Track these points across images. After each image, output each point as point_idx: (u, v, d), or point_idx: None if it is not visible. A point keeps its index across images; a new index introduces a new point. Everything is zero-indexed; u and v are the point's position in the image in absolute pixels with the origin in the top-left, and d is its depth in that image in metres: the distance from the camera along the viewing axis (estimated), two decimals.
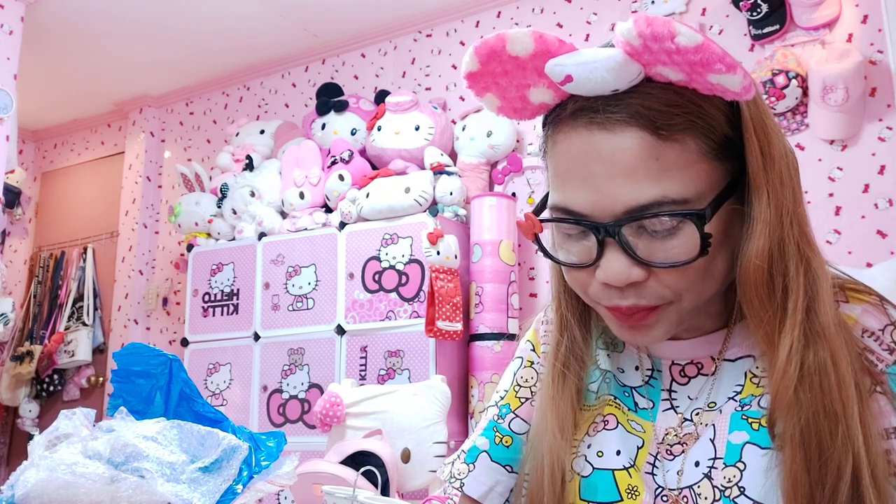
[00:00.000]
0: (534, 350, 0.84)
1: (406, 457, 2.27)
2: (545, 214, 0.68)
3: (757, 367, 0.68)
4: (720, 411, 0.69)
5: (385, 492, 2.11)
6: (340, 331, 2.97)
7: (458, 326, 2.71)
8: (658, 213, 0.60)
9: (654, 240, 0.62)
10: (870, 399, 0.62)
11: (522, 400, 0.82)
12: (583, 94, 0.62)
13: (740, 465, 0.65)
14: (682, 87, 0.61)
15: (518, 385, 0.83)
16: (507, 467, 0.80)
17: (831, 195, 2.54)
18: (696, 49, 0.56)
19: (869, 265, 2.38)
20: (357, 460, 2.15)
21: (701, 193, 0.62)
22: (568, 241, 0.67)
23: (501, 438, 0.81)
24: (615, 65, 0.59)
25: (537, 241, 0.68)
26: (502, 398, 0.83)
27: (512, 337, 2.81)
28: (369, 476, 2.11)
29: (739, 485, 0.64)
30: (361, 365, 2.89)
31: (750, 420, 0.67)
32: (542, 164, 0.70)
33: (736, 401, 0.68)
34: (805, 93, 2.54)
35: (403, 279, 2.86)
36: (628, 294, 0.64)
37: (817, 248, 0.66)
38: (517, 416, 0.81)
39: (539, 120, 0.71)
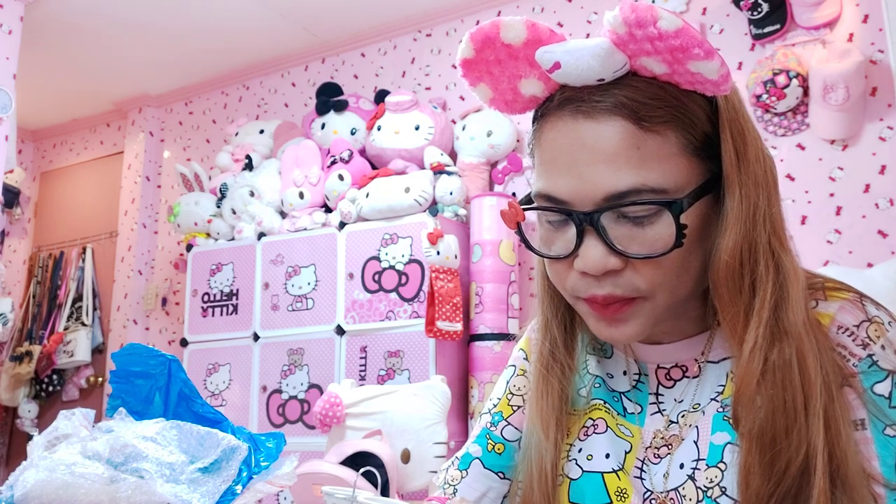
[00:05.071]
0: (526, 359, 0.85)
1: (406, 457, 2.27)
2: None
3: None
4: (703, 413, 0.70)
5: (385, 492, 2.10)
6: (340, 331, 2.96)
7: (458, 326, 2.71)
8: (636, 200, 0.62)
9: (631, 229, 0.63)
10: (840, 394, 0.63)
11: (515, 408, 0.83)
12: (570, 83, 0.64)
13: (721, 466, 0.66)
14: (665, 81, 0.63)
15: (511, 393, 0.84)
16: (499, 474, 0.81)
17: (832, 195, 2.53)
18: (677, 33, 0.58)
19: (869, 265, 2.38)
20: (357, 461, 2.15)
21: (679, 186, 0.63)
22: (551, 235, 0.68)
23: (494, 446, 0.82)
24: (601, 51, 0.61)
25: (519, 230, 0.70)
26: (495, 405, 0.85)
27: (512, 337, 2.80)
28: (369, 477, 2.11)
29: (721, 485, 0.65)
30: (361, 365, 2.88)
31: (731, 421, 0.67)
32: (530, 161, 0.72)
33: (718, 401, 0.70)
34: (806, 92, 2.54)
35: (403, 279, 2.86)
36: (605, 283, 0.65)
37: (791, 249, 0.67)
38: (509, 423, 0.83)
39: None
